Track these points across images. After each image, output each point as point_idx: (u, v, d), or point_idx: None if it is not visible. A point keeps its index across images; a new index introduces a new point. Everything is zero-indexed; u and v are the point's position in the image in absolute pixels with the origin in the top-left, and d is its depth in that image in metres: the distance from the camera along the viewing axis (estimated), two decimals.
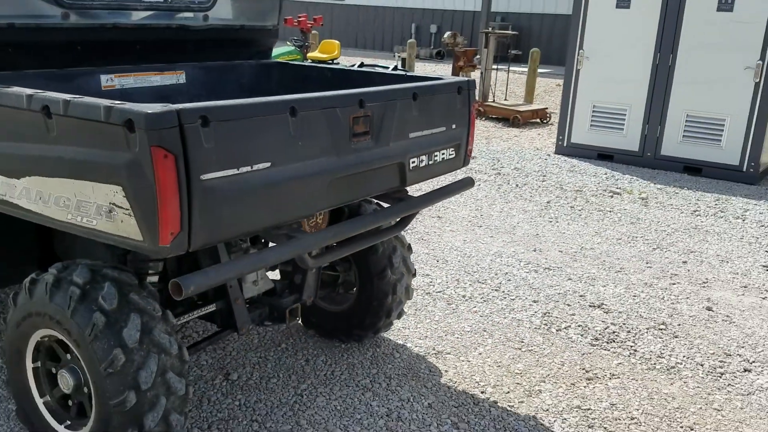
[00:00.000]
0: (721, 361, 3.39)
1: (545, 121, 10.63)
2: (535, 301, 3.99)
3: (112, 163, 1.82)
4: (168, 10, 2.99)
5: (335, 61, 12.52)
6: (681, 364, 3.35)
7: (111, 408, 2.08)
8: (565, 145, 8.40)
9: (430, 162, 2.75)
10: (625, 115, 8.01)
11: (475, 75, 11.69)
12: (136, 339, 2.09)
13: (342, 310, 3.33)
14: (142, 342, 2.10)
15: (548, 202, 6.16)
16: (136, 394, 2.08)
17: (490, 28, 14.56)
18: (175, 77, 3.05)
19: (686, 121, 7.66)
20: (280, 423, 2.71)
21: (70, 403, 2.34)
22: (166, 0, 2.98)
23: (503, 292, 4.12)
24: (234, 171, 1.93)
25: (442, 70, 16.17)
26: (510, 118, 10.31)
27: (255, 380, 3.02)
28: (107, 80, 2.78)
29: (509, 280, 4.31)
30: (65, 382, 2.27)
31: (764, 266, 4.79)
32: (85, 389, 2.24)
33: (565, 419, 2.83)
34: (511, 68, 12.34)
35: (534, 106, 10.82)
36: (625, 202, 6.33)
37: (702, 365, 3.35)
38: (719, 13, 7.36)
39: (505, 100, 11.47)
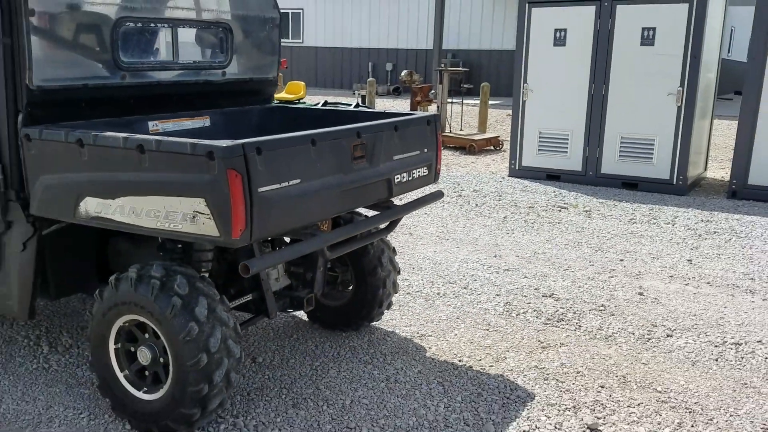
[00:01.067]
0: (648, 331, 4.22)
1: (498, 148, 11.58)
2: (497, 295, 4.78)
3: (195, 182, 2.55)
4: (196, 68, 3.76)
5: (302, 101, 13.34)
6: (616, 334, 4.17)
7: (188, 368, 2.77)
8: (517, 168, 9.32)
9: (410, 178, 3.55)
10: (567, 139, 8.98)
11: (432, 109, 12.62)
12: (204, 315, 2.80)
13: (341, 304, 4.06)
14: (209, 318, 2.81)
15: (505, 218, 7.00)
16: (207, 355, 2.78)
17: (443, 65, 15.61)
18: (202, 122, 3.79)
19: (621, 142, 8.66)
20: (303, 388, 3.42)
21: (146, 373, 3.00)
22: (194, 61, 3.74)
23: (471, 289, 4.90)
24: (278, 185, 2.69)
25: (400, 105, 17.11)
26: (466, 147, 11.23)
27: (277, 361, 3.72)
28: (153, 125, 3.51)
29: (475, 280, 5.09)
30: (144, 356, 2.95)
31: (688, 260, 5.68)
32: (161, 359, 2.92)
33: (525, 375, 3.60)
34: (464, 101, 13.33)
35: (487, 135, 11.78)
36: (572, 214, 7.22)
37: (633, 334, 4.17)
38: (642, 47, 8.43)
39: (461, 130, 12.42)
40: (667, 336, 4.14)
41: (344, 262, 4.02)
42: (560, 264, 5.52)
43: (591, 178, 8.85)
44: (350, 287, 4.05)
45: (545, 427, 3.12)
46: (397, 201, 3.79)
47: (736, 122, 8.27)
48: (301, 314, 4.31)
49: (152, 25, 3.51)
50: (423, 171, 3.66)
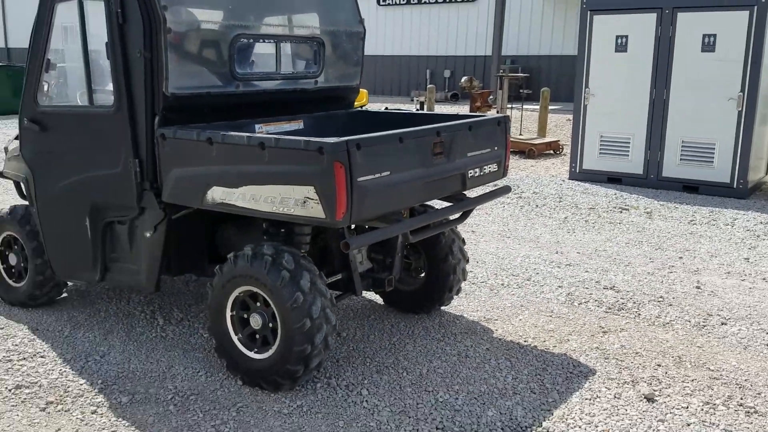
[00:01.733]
0: (704, 319, 4.49)
1: (558, 152, 11.83)
2: (559, 286, 5.12)
3: (307, 172, 3.01)
4: (293, 78, 4.25)
5: (364, 107, 13.87)
6: (674, 321, 4.46)
7: (294, 331, 3.22)
8: (577, 171, 9.58)
9: (482, 173, 3.94)
10: (629, 143, 9.19)
11: (492, 113, 12.94)
12: (308, 286, 3.26)
13: (414, 289, 4.47)
14: (311, 289, 3.27)
15: (565, 218, 7.30)
16: (310, 321, 3.23)
17: (502, 71, 15.90)
18: (297, 125, 4.28)
19: (682, 146, 8.83)
20: (384, 358, 3.85)
21: (257, 336, 3.48)
22: (292, 71, 4.24)
23: (533, 281, 5.25)
24: (372, 176, 3.12)
25: (458, 111, 17.49)
26: (526, 151, 11.51)
27: (359, 336, 4.15)
28: (258, 128, 4.01)
29: (537, 273, 5.43)
30: (255, 321, 3.42)
31: (746, 258, 5.88)
32: (270, 325, 3.38)
33: (587, 355, 3.94)
34: (524, 106, 13.61)
35: (547, 139, 12.04)
36: (633, 216, 7.46)
37: (689, 321, 4.45)
38: (703, 53, 8.60)
39: (520, 134, 12.70)
40: (722, 324, 4.41)
41: (417, 251, 4.43)
42: (621, 260, 5.80)
43: (652, 181, 9.03)
44: (422, 274, 4.46)
45: (605, 396, 3.46)
46: (469, 194, 4.19)
47: None
48: (377, 298, 4.74)
49: (261, 40, 4.02)
50: (493, 167, 4.05)
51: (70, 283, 4.77)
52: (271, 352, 3.39)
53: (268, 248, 3.36)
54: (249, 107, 4.02)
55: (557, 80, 19.96)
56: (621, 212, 7.62)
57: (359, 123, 4.69)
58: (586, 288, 5.07)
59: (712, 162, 8.64)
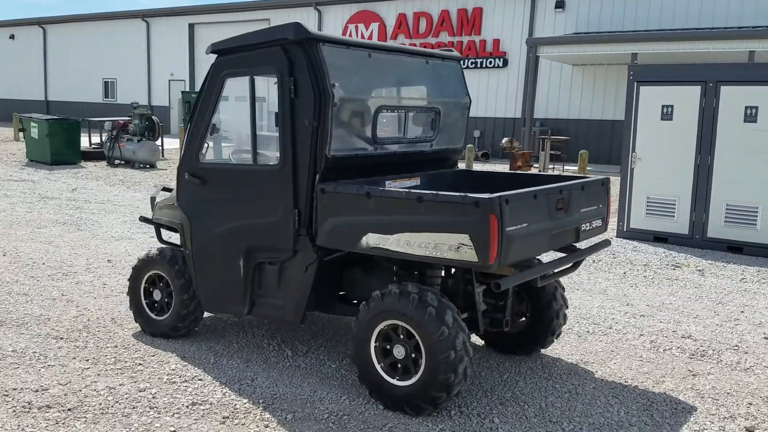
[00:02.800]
0: None
1: None
2: (641, 335, 5.56)
3: (462, 222, 3.53)
4: (415, 142, 4.84)
5: None
6: (753, 367, 4.88)
7: (440, 361, 3.69)
8: (624, 229, 10.09)
9: (590, 227, 4.46)
10: (675, 204, 9.72)
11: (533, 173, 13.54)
12: (451, 321, 3.74)
13: (516, 332, 4.93)
14: (453, 324, 3.75)
15: (624, 273, 7.77)
16: (454, 352, 3.70)
17: (533, 132, 16.58)
18: (415, 181, 4.84)
19: (726, 208, 9.34)
20: (502, 393, 4.29)
21: (398, 366, 3.94)
22: (415, 136, 4.84)
23: (615, 329, 5.70)
24: (515, 227, 3.64)
25: (496, 168, 18.12)
26: None
27: (470, 373, 4.60)
28: (388, 184, 4.57)
29: (617, 322, 5.89)
30: (399, 351, 3.89)
31: None
32: (413, 355, 3.85)
33: (684, 394, 4.37)
34: (565, 167, 14.21)
35: None
36: (686, 273, 7.92)
37: (767, 367, 4.88)
38: (746, 123, 9.20)
39: None
40: None
41: (520, 296, 4.92)
42: (688, 313, 6.25)
43: (697, 241, 9.51)
44: (523, 318, 4.93)
45: (711, 429, 3.88)
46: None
47: None
48: (477, 340, 5.19)
49: (394, 111, 4.63)
50: (598, 222, 4.58)
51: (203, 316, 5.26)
52: (414, 380, 3.85)
53: (413, 287, 3.86)
54: (380, 166, 4.60)
55: (585, 143, 20.64)
56: (674, 269, 8.08)
57: (464, 181, 5.25)
58: (665, 336, 5.51)
59: (756, 224, 9.12)
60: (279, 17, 28.54)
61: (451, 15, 23.76)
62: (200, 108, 4.66)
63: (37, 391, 4.08)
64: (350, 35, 26.19)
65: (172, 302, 4.96)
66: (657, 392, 4.38)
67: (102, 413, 3.82)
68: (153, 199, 5.43)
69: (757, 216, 9.11)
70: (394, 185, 4.61)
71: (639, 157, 10.11)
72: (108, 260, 7.51)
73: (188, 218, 4.79)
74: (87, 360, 4.61)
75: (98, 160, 18.52)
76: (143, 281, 5.13)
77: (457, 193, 3.61)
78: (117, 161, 17.85)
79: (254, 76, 4.40)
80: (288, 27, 4.14)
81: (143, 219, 5.49)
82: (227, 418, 3.81)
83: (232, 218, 4.54)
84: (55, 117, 18.98)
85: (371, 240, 3.89)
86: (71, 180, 14.85)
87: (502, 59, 22.82)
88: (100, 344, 4.92)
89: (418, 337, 3.80)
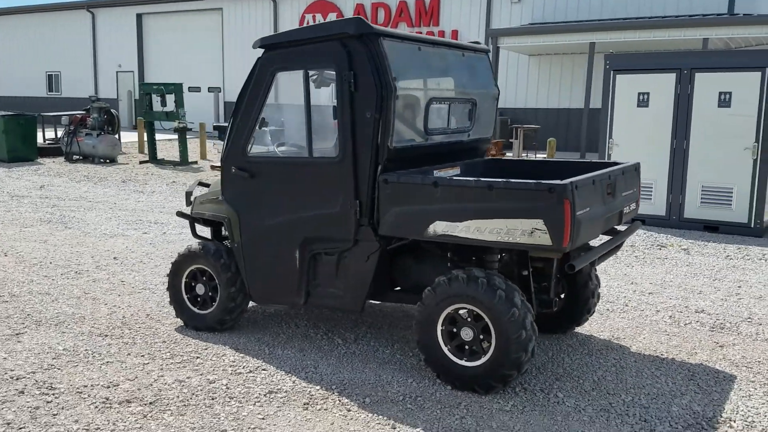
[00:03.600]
0: None
1: None
2: (657, 311, 5.88)
3: (536, 208, 3.72)
4: (456, 132, 5.01)
5: None
6: None
7: (512, 341, 3.87)
8: None
9: (629, 210, 4.72)
10: (652, 187, 10.15)
11: None
12: (520, 303, 3.93)
13: (552, 311, 5.17)
14: (522, 305, 3.94)
15: (616, 254, 8.13)
16: (525, 332, 3.89)
17: (505, 121, 16.96)
18: (456, 170, 5.00)
19: (702, 190, 9.84)
20: (554, 369, 4.51)
21: (465, 348, 4.10)
22: (457, 127, 4.99)
23: (632, 306, 6.00)
24: (582, 211, 3.85)
25: None
26: None
27: None
28: (435, 173, 4.71)
29: (630, 300, 6.20)
30: (467, 334, 4.06)
31: None
32: (481, 337, 4.02)
33: (719, 364, 4.68)
34: (537, 155, 14.61)
35: None
36: (672, 252, 8.34)
37: None
38: (720, 108, 9.70)
39: None
40: None
41: (558, 278, 5.14)
42: (691, 289, 6.62)
43: (674, 221, 9.99)
44: (560, 297, 5.16)
45: (757, 394, 4.19)
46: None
47: None
48: None
49: (441, 103, 4.77)
50: (633, 205, 4.84)
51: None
52: (484, 360, 4.02)
53: (479, 272, 4.03)
54: (428, 156, 4.74)
55: (545, 131, 21.14)
56: (660, 249, 8.49)
57: (496, 169, 5.44)
58: (680, 312, 5.85)
59: (731, 204, 9.64)
60: (232, 7, 28.19)
61: (409, 6, 23.93)
62: (247, 102, 4.70)
63: (108, 387, 4.08)
64: (308, 24, 26.10)
65: (217, 296, 5.00)
66: (694, 363, 4.68)
67: (184, 405, 3.86)
68: (189, 194, 5.43)
69: (732, 196, 9.63)
70: (439, 174, 4.76)
71: (616, 143, 10.52)
72: (114, 257, 7.42)
73: (236, 212, 4.84)
74: (142, 356, 4.62)
75: (55, 156, 18.00)
76: (184, 276, 5.14)
77: (529, 181, 3.79)
78: (75, 157, 17.38)
79: (308, 70, 4.47)
80: (349, 22, 4.23)
81: (181, 214, 5.48)
82: (308, 404, 3.91)
83: (286, 211, 4.61)
84: (10, 113, 18.34)
85: (439, 228, 4.04)
86: (34, 177, 14.44)
87: None
88: (148, 340, 4.92)
89: (487, 320, 3.97)
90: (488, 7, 22.63)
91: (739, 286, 6.76)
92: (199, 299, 5.12)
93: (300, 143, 4.73)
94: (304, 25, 25.88)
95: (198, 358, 4.58)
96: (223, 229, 5.39)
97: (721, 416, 3.88)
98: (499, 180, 3.87)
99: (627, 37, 17.92)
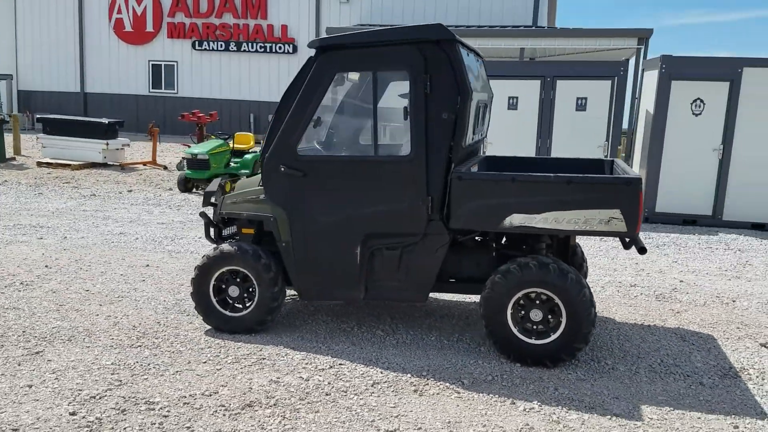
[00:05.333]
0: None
1: None
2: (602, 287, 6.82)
3: (614, 199, 4.29)
4: (479, 133, 5.43)
5: (251, 150, 14.46)
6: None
7: (583, 318, 4.43)
8: None
9: None
10: None
11: None
12: (585, 283, 4.49)
13: None
14: (587, 285, 4.51)
15: None
16: (593, 309, 4.46)
17: None
18: (476, 168, 5.42)
19: None
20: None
21: (533, 327, 4.57)
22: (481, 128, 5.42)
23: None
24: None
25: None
26: None
27: None
28: (471, 168, 5.11)
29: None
30: (536, 315, 4.53)
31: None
32: (549, 317, 4.52)
33: (690, 325, 5.65)
34: None
35: None
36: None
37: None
38: (577, 111, 11.17)
39: None
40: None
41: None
42: (668, 271, 7.69)
43: None
44: None
45: (740, 347, 5.18)
46: None
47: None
48: None
49: (481, 105, 5.17)
50: None
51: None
52: (554, 337, 4.52)
53: (547, 258, 4.53)
54: (466, 155, 5.11)
55: None
56: None
57: (496, 165, 5.96)
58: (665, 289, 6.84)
59: None
60: None
61: None
62: (299, 101, 4.71)
63: (210, 395, 3.93)
64: (119, 11, 24.44)
65: (255, 296, 4.92)
66: (672, 327, 5.60)
67: (308, 402, 3.87)
68: (210, 194, 5.22)
69: None
70: (473, 170, 5.17)
71: (489, 142, 11.59)
72: (46, 266, 6.73)
73: (284, 210, 4.81)
74: (204, 362, 4.45)
75: None
76: (213, 279, 4.98)
77: (605, 176, 4.36)
78: None
79: (377, 72, 4.62)
80: (431, 28, 4.47)
81: (204, 216, 5.24)
82: (417, 391, 4.11)
83: (346, 208, 4.71)
84: None
85: (515, 220, 4.46)
86: None
87: (291, 45, 23.26)
88: (189, 347, 4.72)
89: (558, 301, 4.47)
90: (317, 4, 23.02)
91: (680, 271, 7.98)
92: (229, 302, 4.99)
93: (359, 142, 4.84)
94: (115, 8, 24.25)
95: (264, 359, 4.52)
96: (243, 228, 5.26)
97: (736, 367, 4.77)
98: (577, 175, 4.39)
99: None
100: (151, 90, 24.74)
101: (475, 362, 4.63)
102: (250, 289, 4.99)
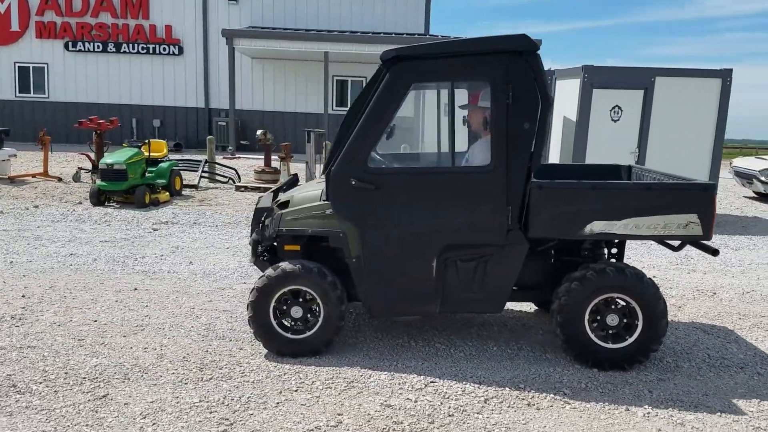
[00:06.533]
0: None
1: None
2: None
3: (692, 204, 4.49)
4: None
5: (168, 157, 13.64)
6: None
7: (661, 322, 4.59)
8: None
9: None
10: None
11: (291, 165, 14.11)
12: (657, 286, 4.67)
13: None
14: (658, 287, 4.69)
15: None
16: (667, 311, 4.64)
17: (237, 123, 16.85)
18: None
19: None
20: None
21: (610, 332, 4.67)
22: None
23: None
24: None
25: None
26: None
27: None
28: None
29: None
30: (612, 319, 4.64)
31: None
32: (623, 320, 4.64)
33: (698, 318, 6.04)
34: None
35: None
36: None
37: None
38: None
39: None
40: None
41: None
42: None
43: None
44: None
45: (754, 336, 5.61)
46: None
47: None
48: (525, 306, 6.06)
49: None
50: None
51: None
52: (630, 340, 4.64)
53: (621, 265, 4.66)
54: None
55: (284, 135, 21.58)
56: None
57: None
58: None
59: None
60: None
61: None
62: (370, 112, 4.52)
63: (336, 426, 3.66)
64: None
65: (320, 316, 4.66)
66: (684, 321, 5.97)
67: (441, 426, 3.72)
68: (262, 210, 4.84)
69: None
70: None
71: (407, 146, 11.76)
72: (22, 295, 5.95)
73: (355, 225, 4.60)
74: (294, 390, 4.14)
75: None
76: (273, 301, 4.65)
77: (683, 181, 4.55)
78: None
79: (455, 83, 4.52)
80: (517, 38, 4.43)
81: (262, 234, 4.84)
82: (528, 403, 4.08)
83: (422, 221, 4.58)
84: None
85: (596, 227, 4.55)
86: None
87: (177, 47, 22.14)
88: (267, 376, 4.37)
89: (636, 305, 4.61)
90: (204, 4, 22.12)
91: None
92: (290, 324, 4.69)
93: (434, 153, 4.70)
94: None
95: (352, 382, 4.29)
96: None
97: (760, 355, 5.15)
98: (655, 182, 4.56)
99: (356, 49, 19.44)
100: (17, 94, 22.57)
101: (555, 370, 4.66)
102: (312, 309, 4.71)
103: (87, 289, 6.26)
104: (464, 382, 4.36)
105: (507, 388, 4.30)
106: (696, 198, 4.56)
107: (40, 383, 4.11)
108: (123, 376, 4.25)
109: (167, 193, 12.33)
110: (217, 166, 15.34)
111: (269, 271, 4.68)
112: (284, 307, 4.71)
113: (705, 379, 4.65)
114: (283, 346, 4.70)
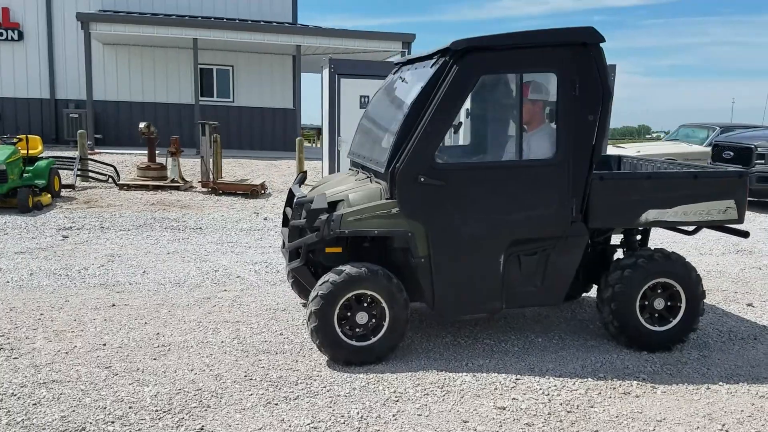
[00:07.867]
0: None
1: (264, 192, 13.04)
2: None
3: (730, 190, 4.77)
4: None
5: (42, 156, 12.21)
6: None
7: (699, 302, 4.85)
8: None
9: None
10: None
11: (179, 159, 13.21)
12: (696, 270, 4.93)
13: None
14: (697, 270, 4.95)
15: None
16: (704, 293, 4.91)
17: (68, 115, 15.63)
18: None
19: None
20: None
21: (656, 315, 4.84)
22: None
23: None
24: None
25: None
26: (249, 191, 12.42)
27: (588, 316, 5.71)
28: None
29: None
30: (659, 304, 4.82)
31: None
32: (667, 303, 4.84)
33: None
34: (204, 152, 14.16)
35: (257, 181, 13.17)
36: None
37: None
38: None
39: (221, 178, 13.35)
40: None
41: None
42: None
43: None
44: None
45: (750, 314, 6.12)
46: None
47: None
48: None
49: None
50: None
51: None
52: (675, 322, 4.86)
53: (667, 251, 4.86)
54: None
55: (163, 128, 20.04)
56: None
57: None
58: None
59: None
60: None
61: None
62: (439, 107, 4.32)
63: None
64: None
65: (386, 320, 4.39)
66: None
67: (571, 422, 3.65)
68: (316, 211, 4.42)
69: None
70: None
71: (344, 141, 11.55)
72: (112, 305, 5.03)
73: (422, 224, 4.38)
74: (397, 401, 3.85)
75: None
76: (337, 307, 4.31)
77: (722, 169, 4.81)
78: None
79: (523, 74, 4.43)
80: (585, 31, 4.42)
81: (319, 237, 4.39)
82: (624, 391, 4.13)
83: (490, 216, 4.46)
84: None
85: (651, 215, 4.70)
86: None
87: (16, 32, 19.74)
88: (348, 387, 4.04)
89: (681, 290, 4.82)
90: None
91: None
92: (353, 331, 4.39)
93: (500, 146, 4.57)
94: None
95: (443, 387, 4.10)
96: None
97: (757, 327, 5.64)
98: (701, 171, 4.79)
99: (228, 37, 18.60)
100: None
101: (613, 357, 4.76)
102: (374, 313, 4.43)
103: (57, 308, 5.41)
104: (546, 377, 4.33)
105: (589, 379, 4.32)
106: (733, 185, 4.87)
107: (113, 423, 3.47)
108: (199, 404, 3.72)
109: (49, 195, 11.03)
110: (92, 163, 13.94)
111: (332, 276, 4.32)
112: (348, 314, 4.38)
113: (741, 352, 4.98)
114: (350, 356, 4.37)
